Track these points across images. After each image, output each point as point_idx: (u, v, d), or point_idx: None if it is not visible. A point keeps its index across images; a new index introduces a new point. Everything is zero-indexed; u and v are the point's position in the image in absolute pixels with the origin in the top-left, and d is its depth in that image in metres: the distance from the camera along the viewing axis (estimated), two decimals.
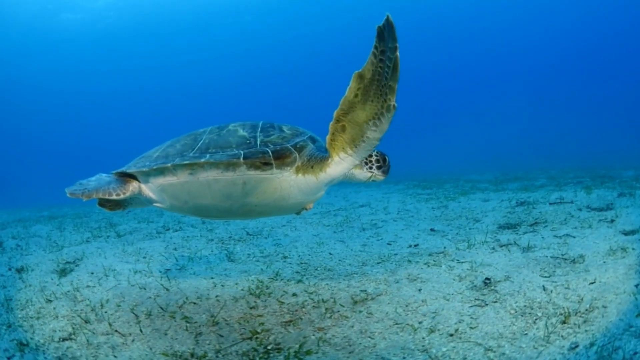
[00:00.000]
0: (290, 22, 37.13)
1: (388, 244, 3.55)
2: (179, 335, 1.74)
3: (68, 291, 2.39)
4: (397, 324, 1.85)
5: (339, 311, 1.98)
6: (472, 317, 1.80)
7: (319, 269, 2.85)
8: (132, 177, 1.99)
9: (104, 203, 2.09)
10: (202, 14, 34.40)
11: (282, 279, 2.58)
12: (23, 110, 41.09)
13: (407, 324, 1.82)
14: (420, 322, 1.83)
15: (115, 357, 1.55)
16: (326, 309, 2.02)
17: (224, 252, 3.44)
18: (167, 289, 2.34)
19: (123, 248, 3.61)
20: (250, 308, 2.05)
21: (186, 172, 1.78)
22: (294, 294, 2.25)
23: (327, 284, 2.46)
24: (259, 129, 1.89)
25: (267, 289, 2.35)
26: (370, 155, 2.02)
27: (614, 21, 36.77)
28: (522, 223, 3.72)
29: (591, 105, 43.87)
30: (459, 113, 46.26)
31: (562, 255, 2.52)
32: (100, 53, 36.33)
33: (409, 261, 2.86)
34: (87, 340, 1.71)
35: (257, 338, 1.71)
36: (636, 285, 1.81)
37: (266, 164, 1.75)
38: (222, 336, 1.71)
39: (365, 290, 2.28)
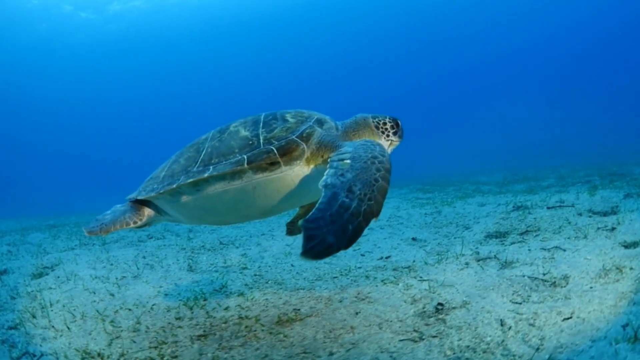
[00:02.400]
0: (297, 28, 35.85)
1: (362, 255, 3.07)
2: (98, 336, 1.76)
3: (31, 291, 2.47)
4: (304, 352, 1.44)
5: (255, 330, 1.72)
6: (392, 356, 1.32)
7: (270, 282, 2.50)
8: (146, 200, 1.82)
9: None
10: (211, 22, 33.44)
11: (225, 292, 2.32)
12: (43, 121, 39.84)
13: (315, 355, 1.39)
14: (330, 354, 1.39)
15: (40, 346, 1.68)
16: (245, 326, 1.78)
17: (188, 262, 3.14)
18: (112, 295, 2.31)
19: (97, 255, 3.43)
20: (176, 319, 1.91)
21: (193, 190, 1.59)
22: (226, 308, 2.03)
23: (266, 299, 2.14)
24: (261, 125, 1.64)
25: (204, 300, 2.15)
26: (385, 123, 1.77)
27: (626, 15, 33.35)
28: (512, 231, 3.09)
29: (604, 101, 39.95)
30: (471, 114, 43.73)
31: (544, 274, 1.93)
32: (112, 63, 34.91)
33: (367, 277, 2.39)
34: (27, 331, 1.84)
35: (160, 348, 1.62)
36: (624, 327, 1.23)
37: (273, 164, 1.50)
38: (134, 342, 1.69)
39: (299, 310, 1.92)
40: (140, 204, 1.84)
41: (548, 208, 3.52)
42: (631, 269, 1.72)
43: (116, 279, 2.67)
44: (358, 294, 2.07)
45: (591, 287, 1.63)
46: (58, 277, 2.74)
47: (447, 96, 46.00)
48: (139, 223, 1.80)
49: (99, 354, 1.55)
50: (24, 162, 43.30)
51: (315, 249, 0.99)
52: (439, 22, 35.74)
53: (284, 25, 35.09)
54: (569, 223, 2.91)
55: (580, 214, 3.12)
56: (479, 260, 2.40)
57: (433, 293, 1.93)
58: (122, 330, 1.79)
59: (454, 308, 1.70)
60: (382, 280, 2.27)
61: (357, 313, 1.80)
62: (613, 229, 2.46)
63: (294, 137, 1.54)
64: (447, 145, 37.90)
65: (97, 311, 2.03)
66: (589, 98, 40.64)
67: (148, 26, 32.00)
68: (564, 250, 2.25)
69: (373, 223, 4.46)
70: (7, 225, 6.93)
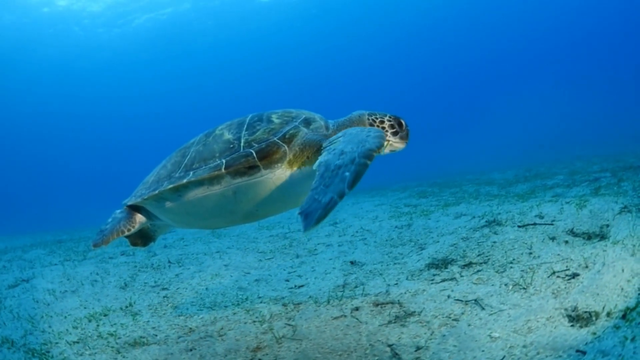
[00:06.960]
0: (308, 31, 31.51)
1: (286, 280, 2.55)
2: (19, 331, 2.04)
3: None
4: None
5: (108, 347, 1.73)
6: None
7: (169, 305, 2.28)
8: (139, 207, 1.70)
9: (135, 242, 1.89)
10: (225, 31, 29.71)
11: (128, 310, 2.25)
12: (68, 136, 35.87)
13: None
14: None
15: None
16: (107, 342, 1.80)
17: (127, 279, 2.94)
18: (48, 304, 2.46)
19: (64, 271, 3.39)
20: (73, 327, 2.03)
21: (175, 195, 1.48)
22: (113, 324, 2.04)
23: (147, 321, 2.03)
24: (245, 127, 1.47)
25: (105, 316, 2.18)
26: (382, 122, 1.47)
27: None
28: (459, 260, 2.28)
29: (628, 87, 31.93)
30: (492, 108, 37.64)
31: (415, 351, 1.21)
32: (121, 74, 31.00)
33: (248, 311, 1.98)
34: None
35: (46, 345, 1.80)
36: None
37: (252, 168, 1.33)
38: (37, 338, 1.89)
39: (156, 335, 1.78)
40: (134, 210, 1.71)
41: (519, 227, 2.56)
42: None
43: (59, 292, 2.74)
44: (222, 328, 1.75)
45: None
46: (23, 288, 2.89)
47: (467, 92, 40.28)
48: (132, 230, 1.69)
49: (12, 342, 1.88)
50: (49, 177, 39.80)
51: (314, 218, 0.89)
52: (451, 20, 31.28)
53: (292, 31, 31.84)
54: (529, 254, 2.02)
55: (552, 238, 2.17)
56: (377, 305, 1.73)
57: (279, 344, 1.48)
58: (35, 330, 2.03)
59: None
60: (255, 317, 1.82)
61: (190, 350, 1.52)
62: (574, 276, 1.55)
63: (275, 139, 1.35)
64: (468, 142, 33.27)
65: (29, 315, 2.29)
66: (611, 84, 33.10)
67: (163, 36, 27.55)
68: (482, 308, 1.47)
69: (339, 237, 3.79)
70: (23, 241, 7.40)
